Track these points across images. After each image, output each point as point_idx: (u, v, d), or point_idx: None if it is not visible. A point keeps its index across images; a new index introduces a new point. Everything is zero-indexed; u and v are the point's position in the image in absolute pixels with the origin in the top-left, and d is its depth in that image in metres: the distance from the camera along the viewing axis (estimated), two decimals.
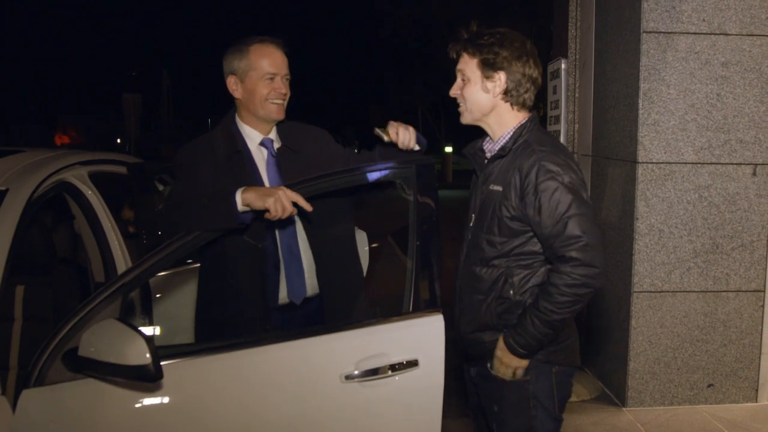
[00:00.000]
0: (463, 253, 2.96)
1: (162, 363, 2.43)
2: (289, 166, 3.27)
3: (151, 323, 3.63)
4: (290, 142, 3.35)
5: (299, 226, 3.33)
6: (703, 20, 4.92)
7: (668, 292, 5.06)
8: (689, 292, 5.07)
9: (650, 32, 4.92)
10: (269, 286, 3.26)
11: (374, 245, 4.23)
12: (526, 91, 2.85)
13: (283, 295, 3.31)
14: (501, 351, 2.78)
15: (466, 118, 2.92)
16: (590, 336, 5.96)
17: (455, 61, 2.93)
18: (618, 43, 5.35)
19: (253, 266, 3.21)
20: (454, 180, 33.08)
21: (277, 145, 3.34)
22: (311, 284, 3.36)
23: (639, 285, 5.05)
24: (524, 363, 2.77)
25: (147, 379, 2.36)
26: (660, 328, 5.08)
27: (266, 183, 3.25)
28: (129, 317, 3.61)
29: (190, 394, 2.60)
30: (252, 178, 3.21)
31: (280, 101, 3.26)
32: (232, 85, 3.27)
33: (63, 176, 3.59)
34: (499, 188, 2.78)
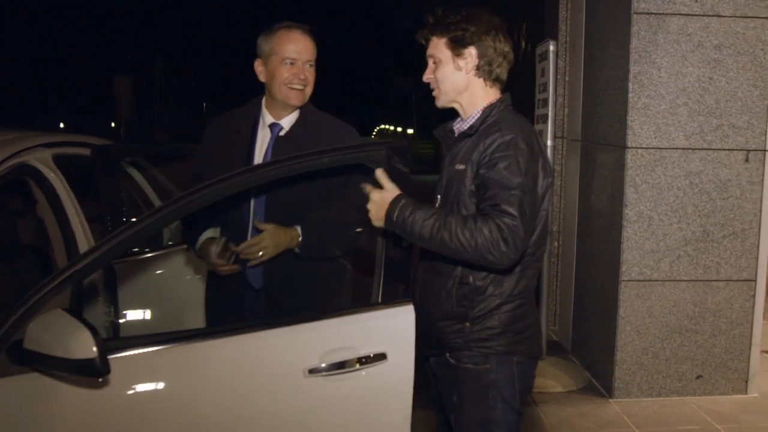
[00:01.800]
0: None
1: (112, 356, 2.30)
2: (280, 155, 3.19)
3: (116, 312, 3.50)
4: (299, 133, 3.32)
5: (263, 212, 3.29)
6: (696, 1, 4.78)
7: (657, 281, 4.94)
8: (679, 281, 4.95)
9: (641, 13, 4.78)
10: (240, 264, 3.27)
11: None
12: (498, 66, 2.78)
13: (247, 275, 3.32)
14: (382, 197, 2.56)
15: (441, 101, 2.86)
16: (577, 325, 5.86)
17: (425, 48, 2.86)
18: (608, 25, 5.22)
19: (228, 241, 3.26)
20: None
21: (283, 133, 3.32)
22: None
23: (627, 273, 4.92)
24: (381, 220, 2.56)
25: (93, 374, 2.22)
26: (648, 318, 4.96)
27: None
28: (92, 305, 3.50)
29: (140, 391, 2.44)
30: (242, 161, 3.24)
31: (299, 87, 3.26)
32: (258, 68, 3.33)
33: (23, 159, 3.44)
34: (462, 167, 2.69)
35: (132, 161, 4.45)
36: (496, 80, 2.80)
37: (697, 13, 4.80)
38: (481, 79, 2.78)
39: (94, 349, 2.19)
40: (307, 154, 2.77)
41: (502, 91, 2.84)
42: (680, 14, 4.80)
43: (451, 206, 2.69)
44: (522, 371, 2.77)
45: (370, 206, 2.58)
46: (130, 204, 4.21)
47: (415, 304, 2.65)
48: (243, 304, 3.34)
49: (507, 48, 2.79)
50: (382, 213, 2.54)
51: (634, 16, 4.79)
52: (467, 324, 2.70)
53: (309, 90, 3.32)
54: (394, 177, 2.65)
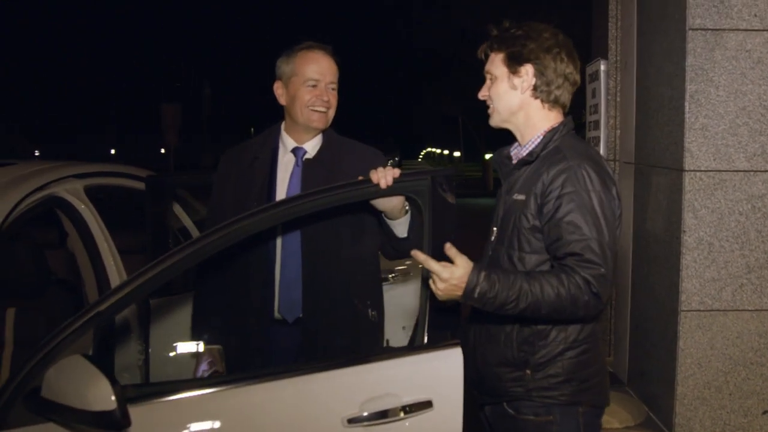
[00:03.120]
0: None
1: (137, 405, 2.14)
2: (312, 181, 3.06)
3: (147, 352, 3.35)
4: (326, 156, 3.17)
5: (300, 243, 3.13)
6: (755, 15, 4.54)
7: (719, 310, 4.66)
8: (742, 310, 4.67)
9: (696, 29, 4.56)
10: (264, 298, 3.12)
11: None
12: (557, 87, 2.56)
13: (276, 310, 3.15)
14: (452, 274, 2.27)
15: (495, 120, 2.67)
16: (634, 356, 5.60)
17: (484, 63, 2.68)
18: (662, 42, 5.00)
19: (248, 275, 3.12)
20: (496, 188, 32.73)
21: (309, 156, 3.17)
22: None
23: (687, 303, 4.66)
24: (451, 294, 2.30)
25: (112, 427, 2.06)
26: (710, 350, 4.69)
27: (282, 193, 3.12)
28: (125, 344, 3.36)
29: None
30: (263, 188, 3.11)
31: (322, 109, 3.11)
32: (278, 90, 3.18)
33: (53, 190, 3.34)
34: (522, 197, 2.49)
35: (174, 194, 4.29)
36: (555, 102, 2.59)
37: (757, 28, 4.56)
38: (539, 101, 2.58)
39: (113, 399, 2.04)
40: (346, 185, 2.63)
41: (565, 114, 2.63)
42: (738, 29, 4.56)
43: (510, 240, 2.50)
44: (588, 422, 2.56)
45: (440, 285, 2.29)
46: (174, 238, 4.07)
47: (467, 348, 2.49)
48: (270, 343, 3.16)
49: (570, 69, 2.58)
50: (459, 292, 2.29)
51: (690, 32, 4.56)
52: (528, 371, 2.50)
53: (332, 113, 3.18)
54: (439, 207, 2.48)
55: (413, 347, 2.46)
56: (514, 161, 2.67)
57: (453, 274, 2.27)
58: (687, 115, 4.58)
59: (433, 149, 79.83)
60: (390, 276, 4.30)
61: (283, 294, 3.10)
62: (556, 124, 2.58)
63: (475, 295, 2.27)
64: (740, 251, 4.63)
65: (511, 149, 2.73)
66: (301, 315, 3.11)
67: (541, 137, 2.57)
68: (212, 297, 3.20)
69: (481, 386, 2.64)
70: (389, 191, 2.63)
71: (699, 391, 4.71)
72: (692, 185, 4.60)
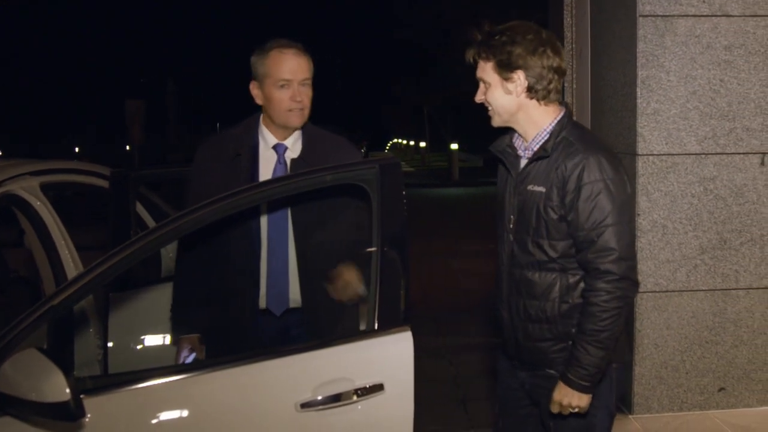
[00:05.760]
0: (505, 254, 2.84)
1: (93, 398, 2.18)
2: None
3: (105, 345, 3.37)
4: (308, 152, 3.22)
5: (290, 235, 3.17)
6: (703, 1, 4.63)
7: (674, 291, 4.76)
8: (696, 291, 4.77)
9: (647, 16, 4.64)
10: (250, 290, 3.15)
11: None
12: (549, 83, 2.69)
13: (262, 302, 3.18)
14: (561, 394, 2.65)
15: (496, 121, 2.80)
16: None
17: (474, 67, 2.80)
18: (614, 29, 5.07)
19: (231, 267, 3.14)
20: (461, 178, 33.03)
21: (293, 153, 3.21)
22: (295, 296, 3.20)
23: (643, 285, 4.73)
24: (588, 398, 2.65)
25: (67, 418, 2.09)
26: (666, 330, 4.78)
27: None
28: (80, 341, 3.37)
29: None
30: (248, 182, 3.09)
31: (297, 108, 3.13)
32: (254, 90, 3.19)
33: (8, 188, 3.34)
34: (541, 189, 2.67)
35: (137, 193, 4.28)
36: (549, 98, 2.71)
37: (705, 13, 4.65)
38: (534, 100, 2.70)
39: (67, 391, 2.07)
40: (297, 175, 2.68)
41: (560, 103, 2.77)
42: (688, 15, 4.64)
43: (536, 229, 2.69)
44: (619, 377, 2.83)
45: (574, 404, 2.65)
46: (136, 234, 4.07)
47: (504, 326, 2.82)
48: (257, 332, 3.18)
49: (557, 62, 2.69)
50: (583, 392, 2.63)
51: (640, 19, 4.64)
52: (570, 342, 2.70)
53: (307, 110, 3.20)
54: (386, 194, 2.54)
55: (365, 332, 2.51)
56: (520, 152, 2.81)
57: (563, 397, 2.65)
58: (639, 101, 4.67)
59: (399, 140, 79.82)
60: None
61: (270, 286, 3.15)
62: (560, 116, 2.73)
63: (588, 383, 2.61)
64: (693, 233, 4.72)
65: (513, 140, 2.86)
66: (288, 307, 3.18)
67: (549, 132, 2.71)
68: (194, 288, 3.21)
69: (523, 358, 2.84)
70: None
71: (656, 371, 4.81)
72: (645, 169, 4.69)
